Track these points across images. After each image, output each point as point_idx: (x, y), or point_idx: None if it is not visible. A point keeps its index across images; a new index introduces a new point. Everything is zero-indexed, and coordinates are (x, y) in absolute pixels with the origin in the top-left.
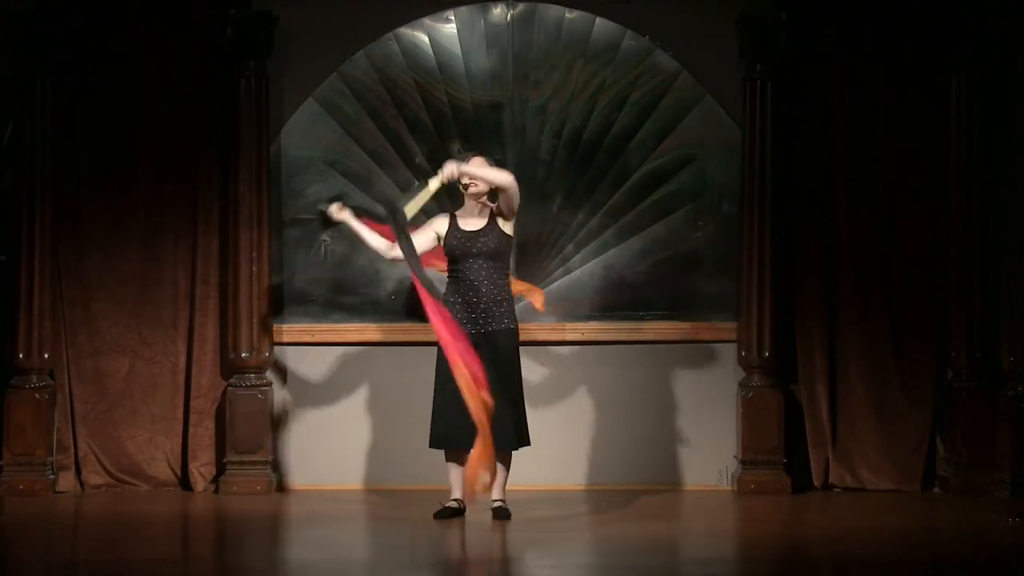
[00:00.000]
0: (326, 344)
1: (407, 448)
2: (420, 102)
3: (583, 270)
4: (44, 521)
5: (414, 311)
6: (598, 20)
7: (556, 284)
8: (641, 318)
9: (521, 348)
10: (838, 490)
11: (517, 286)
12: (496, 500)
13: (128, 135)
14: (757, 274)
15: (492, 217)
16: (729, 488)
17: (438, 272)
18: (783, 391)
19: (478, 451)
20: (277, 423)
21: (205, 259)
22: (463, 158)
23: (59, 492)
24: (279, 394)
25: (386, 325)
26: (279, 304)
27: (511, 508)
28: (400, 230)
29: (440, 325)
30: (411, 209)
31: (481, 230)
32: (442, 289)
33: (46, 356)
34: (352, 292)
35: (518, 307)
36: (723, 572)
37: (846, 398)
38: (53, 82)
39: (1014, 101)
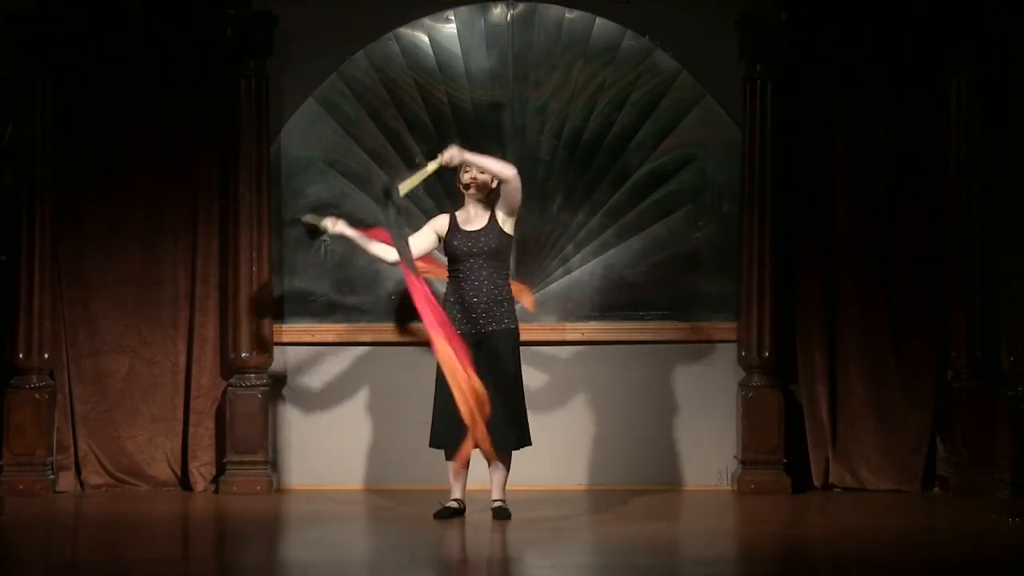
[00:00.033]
0: (326, 344)
1: (407, 448)
2: (420, 102)
3: (583, 270)
4: (44, 521)
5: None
6: (598, 20)
7: (556, 284)
8: (641, 318)
9: (521, 348)
10: (838, 490)
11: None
12: (496, 500)
13: (128, 135)
14: (757, 274)
15: (493, 217)
16: (729, 488)
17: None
18: (783, 391)
19: (472, 429)
20: (277, 423)
21: (205, 259)
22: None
23: (59, 492)
24: (279, 394)
25: (386, 325)
26: (279, 304)
27: (511, 508)
28: (392, 206)
29: (424, 306)
30: (405, 186)
31: (482, 230)
32: (441, 289)
33: (46, 356)
34: (352, 292)
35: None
36: (723, 572)
37: (846, 398)
38: (53, 82)
39: (1014, 101)
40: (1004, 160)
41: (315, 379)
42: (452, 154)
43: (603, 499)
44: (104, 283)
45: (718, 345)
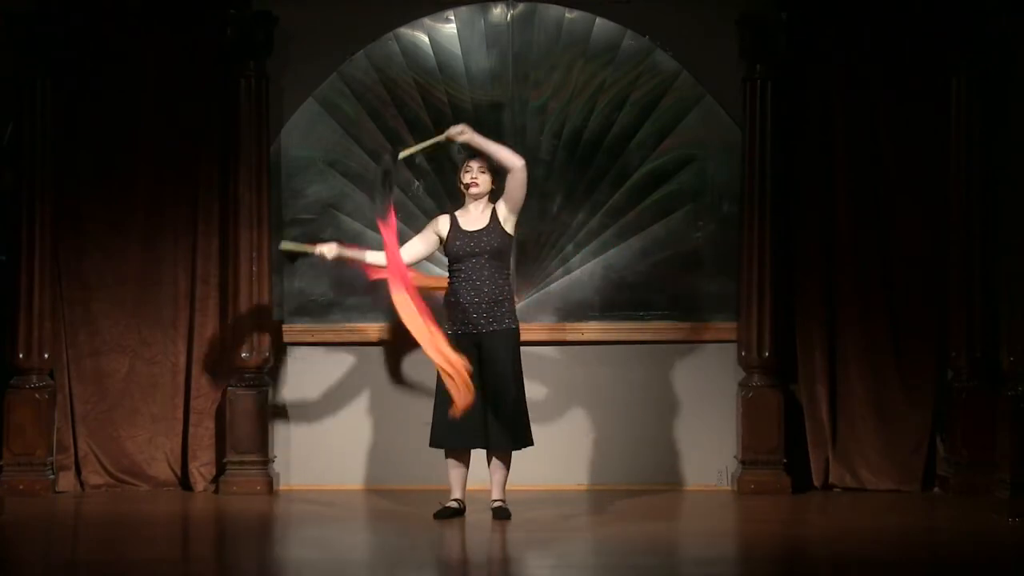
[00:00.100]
0: (326, 344)
1: (407, 448)
2: (420, 102)
3: (583, 270)
4: (44, 521)
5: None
6: (598, 20)
7: (556, 284)
8: (641, 318)
9: (521, 348)
10: (838, 490)
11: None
12: (496, 500)
13: (128, 135)
14: (757, 274)
15: (494, 216)
16: (729, 488)
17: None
18: (783, 391)
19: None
20: (277, 423)
21: (205, 259)
22: (463, 158)
23: (59, 492)
24: (279, 394)
25: (386, 325)
26: (279, 304)
27: (511, 508)
28: (386, 174)
29: (393, 261)
30: (405, 152)
31: (483, 229)
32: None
33: (46, 356)
34: (352, 292)
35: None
36: (723, 572)
37: (846, 398)
38: (53, 82)
39: (1014, 101)
40: (1004, 160)
41: (315, 379)
42: (460, 129)
43: (603, 499)
44: (104, 283)
45: (718, 345)
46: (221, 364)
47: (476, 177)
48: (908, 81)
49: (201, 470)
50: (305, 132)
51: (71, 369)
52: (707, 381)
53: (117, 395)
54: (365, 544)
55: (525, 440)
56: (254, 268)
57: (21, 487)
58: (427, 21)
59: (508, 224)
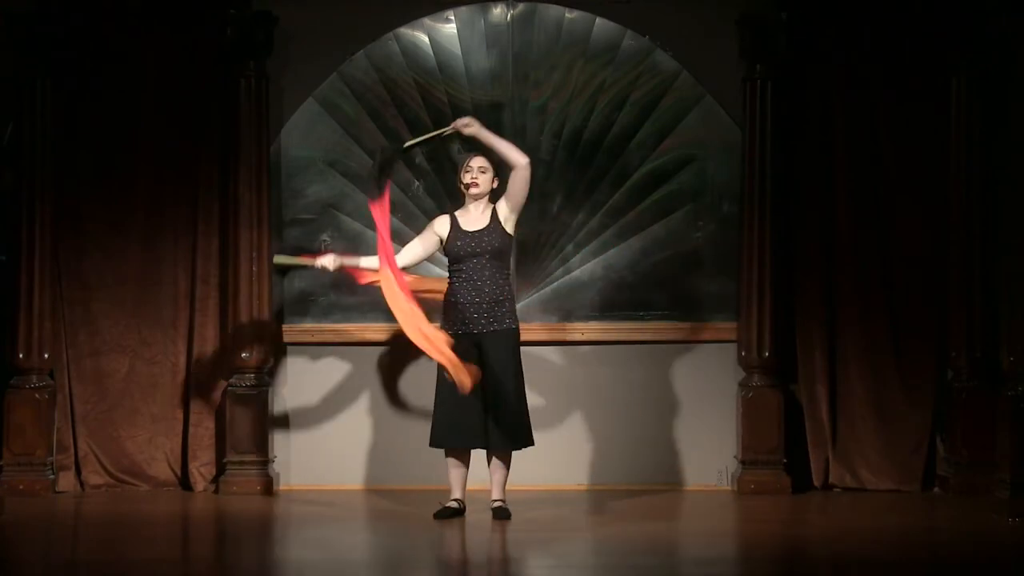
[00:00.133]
0: (326, 344)
1: (407, 448)
2: (420, 102)
3: (583, 270)
4: (44, 521)
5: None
6: (598, 20)
7: (556, 284)
8: (641, 318)
9: (522, 348)
10: (838, 490)
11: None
12: (496, 500)
13: (128, 135)
14: (757, 274)
15: (495, 216)
16: (729, 488)
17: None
18: (783, 391)
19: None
20: (277, 423)
21: (205, 259)
22: (463, 158)
23: (59, 492)
24: (279, 394)
25: (386, 325)
26: (279, 304)
27: (511, 508)
28: (387, 161)
29: (385, 252)
30: (411, 142)
31: (484, 229)
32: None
33: (46, 356)
34: (352, 292)
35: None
36: (723, 572)
37: (846, 398)
38: (53, 82)
39: (1014, 101)
40: (1004, 160)
41: (315, 379)
42: (467, 121)
43: (603, 499)
44: (104, 283)
45: (718, 345)
46: (221, 364)
47: (476, 177)
48: (908, 81)
49: (201, 470)
50: (305, 132)
51: (71, 369)
52: (707, 381)
53: (117, 395)
54: (365, 544)
55: (526, 440)
56: (254, 268)
57: (21, 487)
58: (427, 21)
59: (508, 224)
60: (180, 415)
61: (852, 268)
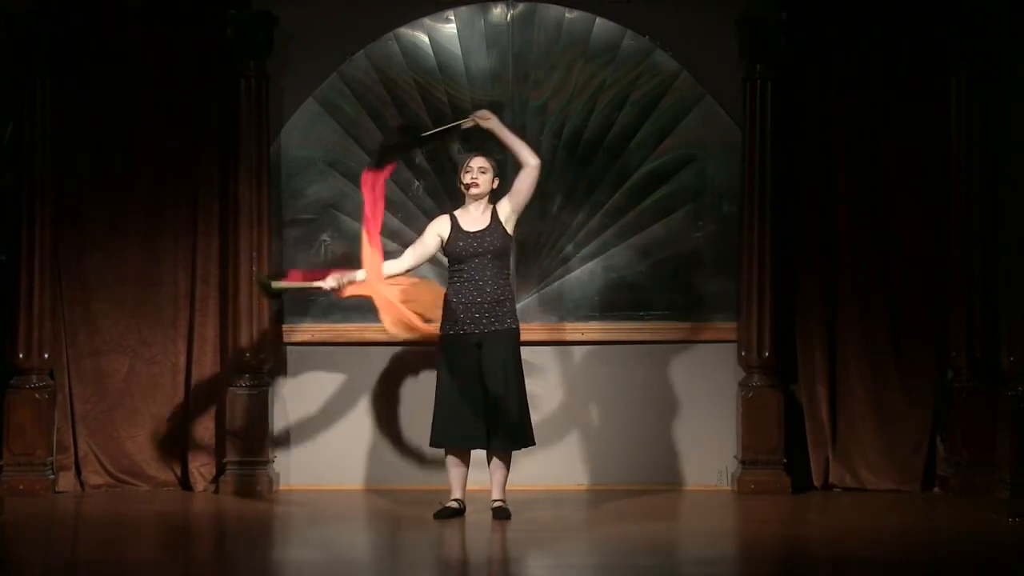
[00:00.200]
0: (326, 344)
1: (407, 448)
2: (420, 102)
3: (583, 270)
4: (44, 521)
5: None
6: (598, 20)
7: (556, 284)
8: (641, 318)
9: (522, 348)
10: (838, 490)
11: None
12: (496, 500)
13: (128, 135)
14: (757, 274)
15: (495, 216)
16: (729, 488)
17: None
18: (783, 391)
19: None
20: (277, 423)
21: (205, 259)
22: (463, 158)
23: (59, 492)
24: (279, 394)
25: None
26: (279, 304)
27: (511, 508)
28: (401, 145)
29: (372, 206)
30: (430, 132)
31: (486, 229)
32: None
33: (46, 356)
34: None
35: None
36: (723, 572)
37: (846, 398)
38: (53, 82)
39: (1014, 101)
40: (1004, 160)
41: (315, 379)
42: (485, 113)
43: (603, 499)
44: (104, 283)
45: (718, 345)
46: (221, 364)
47: (476, 177)
48: (908, 81)
49: (201, 470)
50: (305, 132)
51: (71, 369)
52: (707, 381)
53: (117, 395)
54: (365, 544)
55: (526, 440)
56: (254, 268)
57: (21, 487)
58: (427, 21)
59: (509, 224)
60: (180, 415)
61: (852, 268)
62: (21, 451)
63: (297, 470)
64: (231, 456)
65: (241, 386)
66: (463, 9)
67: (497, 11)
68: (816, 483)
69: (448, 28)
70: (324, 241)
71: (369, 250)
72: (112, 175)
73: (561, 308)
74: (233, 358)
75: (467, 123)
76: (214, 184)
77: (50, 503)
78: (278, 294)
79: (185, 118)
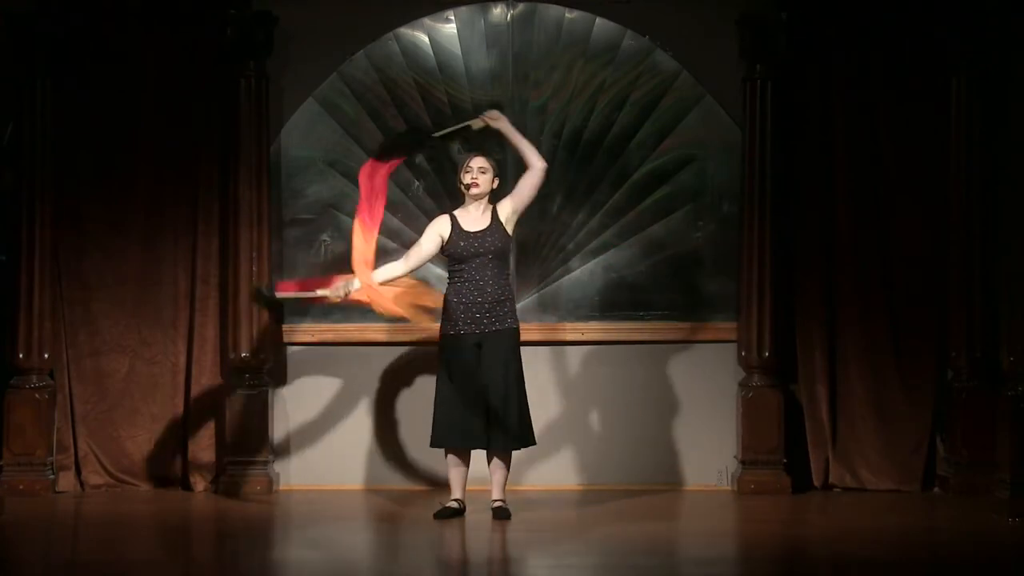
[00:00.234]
0: (326, 344)
1: (407, 448)
2: (420, 102)
3: (583, 270)
4: (44, 521)
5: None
6: (598, 20)
7: (556, 284)
8: (641, 318)
9: (522, 348)
10: (838, 490)
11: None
12: (496, 500)
13: (128, 135)
14: (757, 274)
15: (495, 217)
16: (729, 488)
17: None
18: (783, 391)
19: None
20: (277, 423)
21: (205, 259)
22: (463, 158)
23: (59, 492)
24: (279, 394)
25: (386, 325)
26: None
27: (511, 508)
28: (413, 143)
29: (368, 205)
30: (441, 133)
31: (487, 229)
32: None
33: (46, 356)
34: None
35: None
36: (723, 572)
37: (846, 398)
38: (53, 82)
39: (1014, 101)
40: (1004, 160)
41: (315, 379)
42: (495, 114)
43: (603, 499)
44: (104, 283)
45: (718, 345)
46: (221, 364)
47: (476, 178)
48: (908, 81)
49: (201, 470)
50: (305, 132)
51: (71, 369)
52: (707, 381)
53: (117, 395)
54: (365, 544)
55: (527, 440)
56: (254, 268)
57: (21, 487)
58: (427, 21)
59: (509, 225)
60: (180, 415)
61: (852, 268)
62: (21, 451)
63: (297, 470)
64: (231, 456)
65: (241, 386)
66: (463, 9)
67: (497, 11)
68: (816, 483)
69: (448, 28)
70: (324, 241)
71: (362, 244)
72: (112, 175)
73: (561, 308)
74: (233, 358)
75: (477, 123)
76: (214, 184)
77: (50, 503)
78: (275, 305)
79: (185, 118)
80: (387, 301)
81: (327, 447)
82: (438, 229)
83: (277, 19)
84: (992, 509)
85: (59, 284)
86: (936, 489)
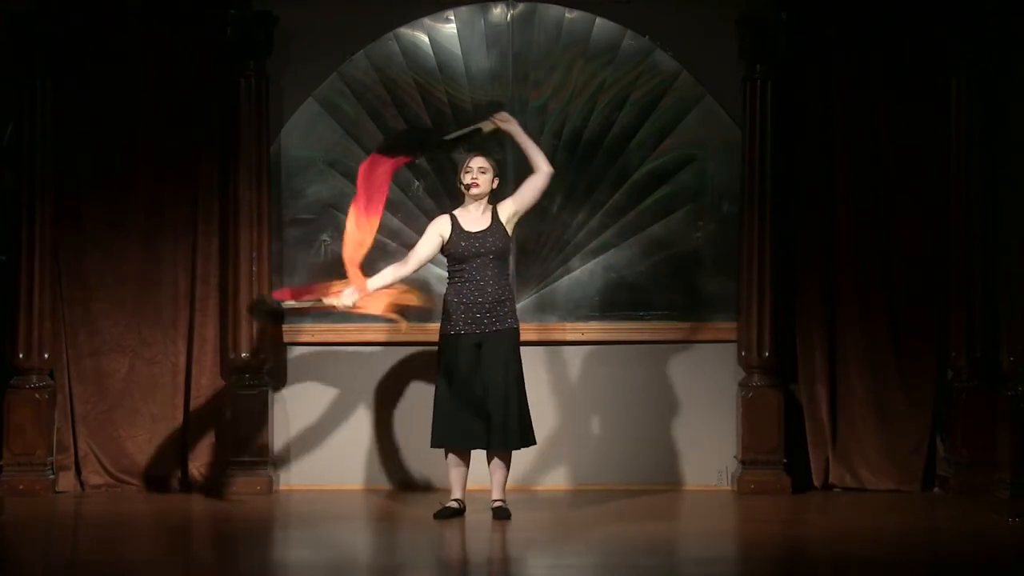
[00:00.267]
0: (326, 344)
1: (407, 448)
2: (420, 102)
3: (583, 270)
4: (44, 521)
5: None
6: (598, 20)
7: (556, 284)
8: (641, 318)
9: (522, 348)
10: (838, 490)
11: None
12: (496, 500)
13: (128, 135)
14: (757, 274)
15: (496, 217)
16: (729, 488)
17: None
18: (783, 391)
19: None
20: (277, 423)
21: (205, 259)
22: (463, 158)
23: (59, 492)
24: (279, 394)
25: (386, 325)
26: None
27: (511, 508)
28: (421, 144)
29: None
30: (451, 136)
31: (488, 230)
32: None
33: (46, 356)
34: None
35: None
36: (723, 572)
37: (846, 398)
38: (53, 82)
39: (1014, 101)
40: (1004, 160)
41: (315, 379)
42: (506, 116)
43: (603, 499)
44: (104, 283)
45: (718, 345)
46: (221, 364)
47: (476, 178)
48: (908, 81)
49: (201, 470)
50: (305, 132)
51: (71, 369)
52: (707, 381)
53: (117, 395)
54: (365, 544)
55: (527, 439)
56: (254, 268)
57: (21, 487)
58: (427, 21)
59: (509, 226)
60: (180, 415)
61: (852, 268)
62: (21, 451)
63: (297, 470)
64: (231, 456)
65: (241, 386)
66: (463, 9)
67: (497, 11)
68: (816, 483)
69: (448, 28)
70: (324, 241)
71: (354, 230)
72: (112, 175)
73: (561, 308)
74: (233, 358)
75: (488, 126)
76: (214, 184)
77: (50, 503)
78: (277, 316)
79: (185, 118)
80: (374, 303)
81: (327, 447)
82: (438, 229)
83: (277, 19)
84: (992, 509)
85: (59, 284)
86: (936, 489)
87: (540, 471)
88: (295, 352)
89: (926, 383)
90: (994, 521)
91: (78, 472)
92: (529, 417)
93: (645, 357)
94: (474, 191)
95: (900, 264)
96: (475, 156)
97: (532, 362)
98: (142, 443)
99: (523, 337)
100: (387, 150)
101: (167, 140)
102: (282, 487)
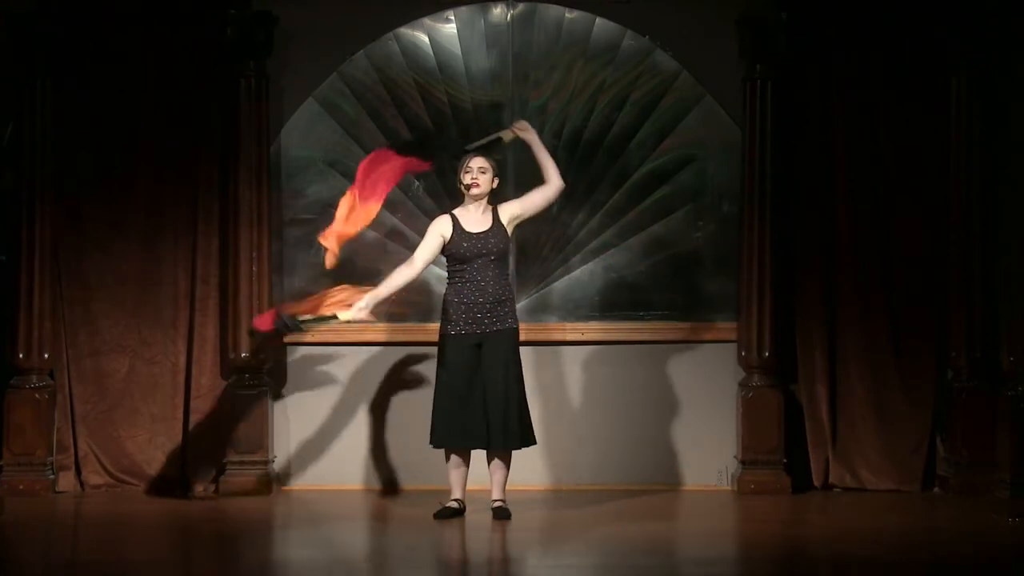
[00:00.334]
0: (326, 344)
1: (407, 448)
2: (420, 102)
3: (583, 270)
4: (44, 521)
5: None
6: (598, 20)
7: (556, 284)
8: (641, 318)
9: (521, 348)
10: (838, 490)
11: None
12: (496, 500)
13: (128, 135)
14: (757, 274)
15: (496, 218)
16: (729, 488)
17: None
18: (783, 391)
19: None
20: (277, 423)
21: (205, 259)
22: (464, 158)
23: (59, 492)
24: (279, 394)
25: (386, 325)
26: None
27: (511, 508)
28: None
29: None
30: (473, 145)
31: (489, 231)
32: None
33: (46, 356)
34: None
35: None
36: (723, 572)
37: (846, 398)
38: (53, 82)
39: (1014, 101)
40: (1004, 160)
41: (315, 379)
42: (525, 125)
43: (603, 499)
44: (104, 283)
45: (718, 345)
46: (221, 364)
47: (477, 178)
48: (908, 81)
49: (201, 470)
50: (305, 132)
51: (71, 369)
52: (707, 381)
53: (117, 395)
54: (365, 544)
55: (527, 439)
56: (254, 268)
57: (21, 487)
58: (427, 21)
59: (510, 228)
60: (180, 415)
61: (852, 268)
62: (21, 451)
63: (297, 470)
64: (231, 456)
65: (241, 386)
66: (463, 9)
67: (497, 11)
68: (816, 483)
69: (448, 28)
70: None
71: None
72: (112, 175)
73: (561, 308)
74: (233, 358)
75: (508, 135)
76: (214, 184)
77: (50, 503)
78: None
79: (185, 118)
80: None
81: (327, 447)
82: (439, 229)
83: (277, 19)
84: (992, 509)
85: (59, 284)
86: (936, 489)
87: (540, 471)
88: (295, 352)
89: (926, 383)
90: (994, 521)
91: (78, 472)
92: (529, 417)
93: (645, 357)
94: (474, 191)
95: (900, 264)
96: (475, 156)
97: (532, 362)
98: (142, 443)
99: (523, 337)
100: (403, 148)
101: (167, 140)
102: (282, 487)
